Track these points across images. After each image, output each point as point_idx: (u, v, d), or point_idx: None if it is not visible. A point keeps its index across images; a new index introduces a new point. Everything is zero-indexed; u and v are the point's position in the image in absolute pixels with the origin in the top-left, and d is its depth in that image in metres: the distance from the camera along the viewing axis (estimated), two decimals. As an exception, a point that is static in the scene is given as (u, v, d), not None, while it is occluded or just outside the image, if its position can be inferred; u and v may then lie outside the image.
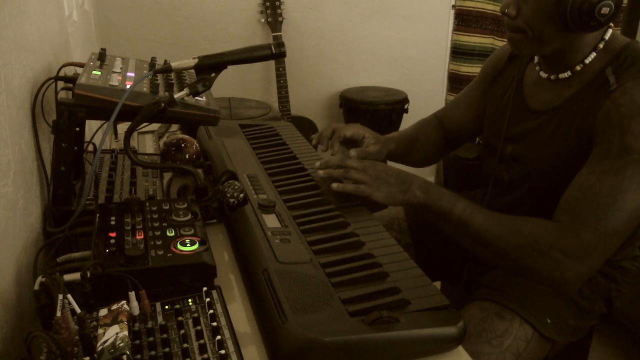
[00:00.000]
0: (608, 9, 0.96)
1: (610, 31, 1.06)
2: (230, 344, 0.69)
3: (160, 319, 0.73)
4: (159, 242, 0.83)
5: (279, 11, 2.70)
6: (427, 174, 3.31)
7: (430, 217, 1.09)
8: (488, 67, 1.33)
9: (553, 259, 0.96)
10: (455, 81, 3.16)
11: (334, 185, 1.07)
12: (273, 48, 1.01)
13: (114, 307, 0.71)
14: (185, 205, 0.95)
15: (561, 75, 1.10)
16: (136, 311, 0.74)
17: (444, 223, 1.07)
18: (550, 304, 1.10)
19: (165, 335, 0.69)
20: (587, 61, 1.06)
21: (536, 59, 1.17)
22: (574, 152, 1.05)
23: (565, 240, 0.96)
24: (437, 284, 1.46)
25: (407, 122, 2.93)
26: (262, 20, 2.73)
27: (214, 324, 0.71)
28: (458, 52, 3.09)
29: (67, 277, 0.77)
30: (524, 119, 1.16)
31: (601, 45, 1.05)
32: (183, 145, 1.29)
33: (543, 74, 1.14)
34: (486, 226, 1.02)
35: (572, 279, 0.96)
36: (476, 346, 1.02)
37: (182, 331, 0.69)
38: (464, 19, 3.00)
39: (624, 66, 1.01)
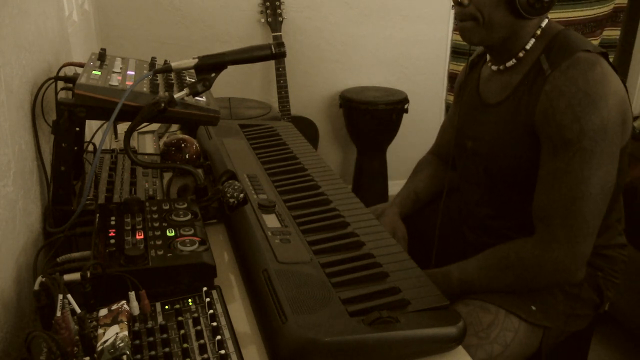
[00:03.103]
0: None
1: (546, 20, 1.11)
2: (230, 344, 0.69)
3: (160, 319, 0.73)
4: (159, 242, 0.83)
5: (279, 11, 2.70)
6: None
7: None
8: (456, 85, 1.39)
9: (550, 270, 1.05)
10: (455, 81, 3.16)
11: None
12: (273, 48, 1.01)
13: (114, 307, 0.71)
14: (185, 205, 0.95)
15: (508, 64, 1.14)
16: (136, 311, 0.73)
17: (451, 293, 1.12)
18: (534, 291, 1.13)
19: (165, 335, 0.69)
20: (527, 47, 1.11)
21: (488, 57, 1.22)
22: (523, 143, 1.09)
23: (549, 248, 1.04)
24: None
25: (407, 122, 2.96)
26: (262, 20, 2.73)
27: (214, 324, 0.71)
28: (458, 52, 3.09)
29: (67, 277, 0.77)
30: (479, 113, 1.21)
31: (538, 32, 1.10)
32: (183, 145, 1.29)
33: (494, 67, 1.19)
34: (480, 281, 1.10)
35: (574, 270, 1.05)
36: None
37: (182, 331, 0.69)
38: (464, 19, 3.00)
39: (553, 52, 1.07)
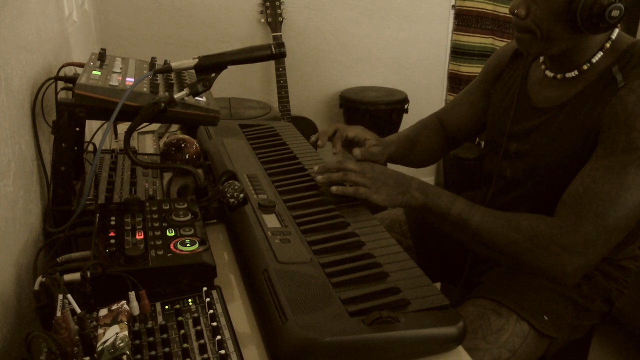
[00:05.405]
0: (618, 11, 0.96)
1: (616, 31, 1.06)
2: (230, 344, 0.69)
3: (160, 319, 0.73)
4: (159, 242, 0.83)
5: (279, 11, 2.70)
6: (427, 174, 3.32)
7: (429, 217, 1.10)
8: (490, 67, 1.33)
9: (552, 253, 0.97)
10: (455, 81, 3.16)
11: (333, 188, 1.07)
12: (273, 48, 1.01)
13: (114, 307, 0.71)
14: (185, 205, 0.95)
15: (568, 75, 1.10)
16: (136, 311, 0.74)
17: (443, 222, 1.07)
18: (547, 301, 1.10)
19: (165, 335, 0.69)
20: (594, 60, 1.06)
21: (542, 57, 1.17)
22: (578, 149, 1.05)
23: (565, 234, 0.97)
24: (438, 285, 1.46)
25: (407, 122, 2.94)
26: (262, 20, 2.73)
27: (214, 324, 0.71)
28: (458, 52, 3.09)
29: (67, 277, 0.77)
30: (528, 116, 1.16)
31: (608, 45, 1.06)
32: (183, 145, 1.29)
33: (549, 73, 1.14)
34: (485, 224, 1.03)
35: (571, 272, 0.98)
36: (472, 342, 1.02)
37: (182, 331, 0.69)
38: (464, 19, 3.00)
39: (630, 64, 1.02)
